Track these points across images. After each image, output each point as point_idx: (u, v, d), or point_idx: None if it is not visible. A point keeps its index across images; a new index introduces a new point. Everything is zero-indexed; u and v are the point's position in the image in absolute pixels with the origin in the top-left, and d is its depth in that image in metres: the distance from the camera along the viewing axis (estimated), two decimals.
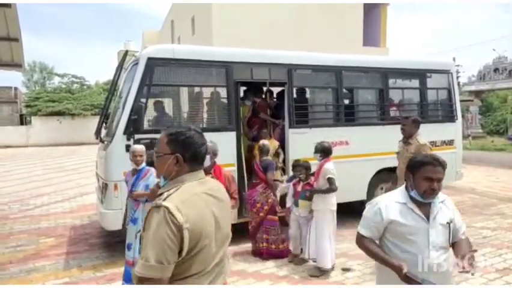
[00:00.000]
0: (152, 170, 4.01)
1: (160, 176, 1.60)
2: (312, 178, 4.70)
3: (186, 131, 1.60)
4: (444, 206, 2.10)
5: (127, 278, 3.88)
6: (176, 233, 1.38)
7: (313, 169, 4.80)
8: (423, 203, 2.03)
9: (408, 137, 4.55)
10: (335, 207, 4.47)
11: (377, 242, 2.14)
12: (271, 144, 5.64)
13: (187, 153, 1.56)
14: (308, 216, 4.64)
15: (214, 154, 3.48)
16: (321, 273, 4.31)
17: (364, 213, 2.19)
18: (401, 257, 1.99)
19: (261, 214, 4.83)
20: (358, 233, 2.17)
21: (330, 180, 4.39)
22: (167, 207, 1.39)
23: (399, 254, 2.02)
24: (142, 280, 1.36)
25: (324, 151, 4.52)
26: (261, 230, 4.86)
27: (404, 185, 2.17)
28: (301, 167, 4.75)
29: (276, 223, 4.90)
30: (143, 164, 4.00)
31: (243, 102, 6.33)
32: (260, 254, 4.87)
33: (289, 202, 4.82)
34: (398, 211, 2.05)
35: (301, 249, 4.72)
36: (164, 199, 1.43)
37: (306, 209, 4.64)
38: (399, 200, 2.09)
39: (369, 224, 2.12)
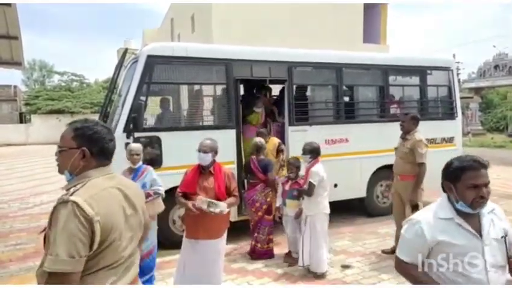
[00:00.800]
0: (150, 168, 4.01)
1: (63, 171, 1.58)
2: (302, 178, 4.55)
3: (93, 126, 1.59)
4: (495, 217, 1.83)
5: None
6: (87, 226, 1.38)
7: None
8: (471, 215, 1.76)
9: (406, 132, 4.65)
10: (328, 211, 4.34)
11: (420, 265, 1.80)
12: (272, 142, 5.58)
13: (94, 148, 1.56)
14: (298, 218, 4.48)
15: (215, 152, 3.45)
16: (316, 277, 4.21)
17: (402, 233, 1.87)
18: (455, 282, 1.71)
19: (259, 213, 4.79)
20: (397, 257, 1.85)
21: (309, 185, 4.20)
22: (75, 202, 1.38)
23: (451, 279, 1.72)
24: (52, 276, 1.35)
25: (313, 152, 4.36)
26: (257, 229, 4.80)
27: (442, 198, 1.92)
28: (292, 165, 4.63)
29: (270, 223, 4.82)
30: (140, 163, 3.98)
31: (253, 110, 6.16)
32: (251, 253, 4.81)
33: (278, 201, 4.71)
34: (444, 229, 1.74)
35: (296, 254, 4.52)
36: (71, 194, 1.43)
37: (294, 209, 4.51)
38: (443, 216, 1.79)
39: (411, 247, 1.80)
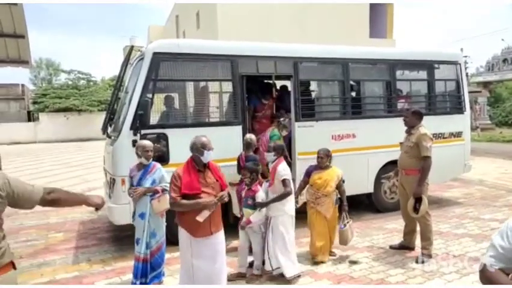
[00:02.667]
0: (159, 165, 4.06)
1: None
2: (258, 184, 4.21)
3: None
4: None
5: (136, 274, 3.91)
6: None
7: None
8: None
9: (410, 127, 4.66)
10: (293, 213, 4.13)
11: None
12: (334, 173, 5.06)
13: None
14: (256, 227, 4.10)
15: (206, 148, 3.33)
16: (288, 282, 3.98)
17: (498, 239, 1.58)
18: None
19: None
20: (484, 265, 1.59)
21: (284, 182, 4.00)
22: None
23: None
24: None
25: (277, 149, 4.24)
26: None
27: None
28: (246, 169, 4.19)
29: None
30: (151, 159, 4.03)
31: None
32: None
33: (235, 208, 4.47)
34: None
35: (264, 261, 4.15)
36: None
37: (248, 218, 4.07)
38: None
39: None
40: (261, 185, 4.26)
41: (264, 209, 4.07)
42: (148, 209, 3.91)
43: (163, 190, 3.88)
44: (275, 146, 4.29)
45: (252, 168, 4.18)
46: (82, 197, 2.39)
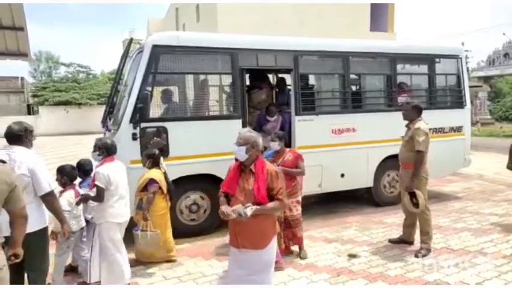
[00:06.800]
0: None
1: None
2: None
3: None
4: None
5: None
6: None
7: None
8: None
9: (410, 121, 4.65)
10: (118, 219, 3.68)
11: None
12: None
13: None
14: (77, 232, 3.77)
15: (252, 146, 2.80)
16: None
17: None
18: None
19: None
20: None
21: (97, 189, 3.58)
22: None
23: None
24: None
25: (102, 149, 3.76)
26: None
27: None
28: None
29: None
30: None
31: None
32: None
33: None
34: None
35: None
36: None
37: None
38: None
39: None
40: None
41: None
42: None
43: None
44: (101, 145, 3.77)
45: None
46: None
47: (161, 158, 4.44)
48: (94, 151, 3.81)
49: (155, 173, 4.19)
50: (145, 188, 4.14)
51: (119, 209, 3.69)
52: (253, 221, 2.67)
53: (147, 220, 4.01)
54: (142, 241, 4.01)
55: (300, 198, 4.56)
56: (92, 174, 3.94)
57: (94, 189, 3.61)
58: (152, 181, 4.12)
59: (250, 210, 2.64)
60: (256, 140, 2.82)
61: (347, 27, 15.06)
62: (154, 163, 4.27)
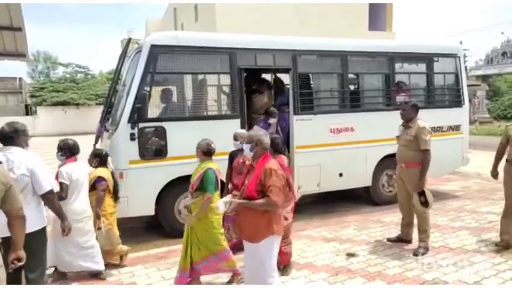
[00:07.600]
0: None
1: None
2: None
3: None
4: None
5: None
6: None
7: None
8: None
9: (408, 121, 4.65)
10: (76, 216, 3.70)
11: None
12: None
13: None
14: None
15: (256, 143, 2.94)
16: None
17: None
18: None
19: None
20: None
21: (60, 186, 3.64)
22: None
23: None
24: None
25: (64, 149, 3.84)
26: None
27: None
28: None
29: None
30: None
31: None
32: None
33: None
34: None
35: None
36: None
37: None
38: None
39: None
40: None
41: None
42: None
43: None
44: (63, 145, 3.86)
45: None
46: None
47: (109, 158, 4.39)
48: (57, 152, 3.88)
49: (102, 172, 4.16)
50: (93, 187, 4.11)
51: (79, 207, 3.78)
52: (247, 214, 2.89)
53: (99, 218, 4.03)
54: (101, 239, 4.02)
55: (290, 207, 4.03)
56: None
57: (58, 186, 3.62)
58: (100, 179, 4.08)
59: (224, 204, 2.86)
60: (260, 138, 2.93)
61: (345, 27, 15.07)
62: (101, 162, 4.24)
